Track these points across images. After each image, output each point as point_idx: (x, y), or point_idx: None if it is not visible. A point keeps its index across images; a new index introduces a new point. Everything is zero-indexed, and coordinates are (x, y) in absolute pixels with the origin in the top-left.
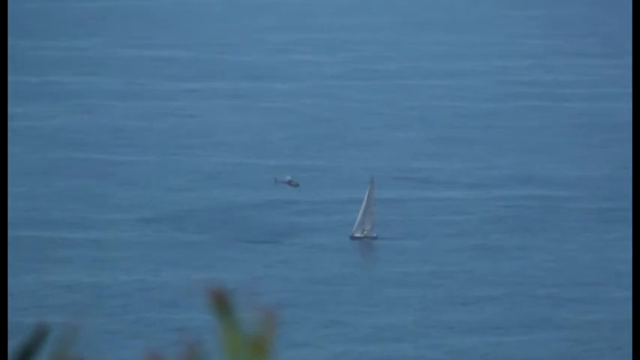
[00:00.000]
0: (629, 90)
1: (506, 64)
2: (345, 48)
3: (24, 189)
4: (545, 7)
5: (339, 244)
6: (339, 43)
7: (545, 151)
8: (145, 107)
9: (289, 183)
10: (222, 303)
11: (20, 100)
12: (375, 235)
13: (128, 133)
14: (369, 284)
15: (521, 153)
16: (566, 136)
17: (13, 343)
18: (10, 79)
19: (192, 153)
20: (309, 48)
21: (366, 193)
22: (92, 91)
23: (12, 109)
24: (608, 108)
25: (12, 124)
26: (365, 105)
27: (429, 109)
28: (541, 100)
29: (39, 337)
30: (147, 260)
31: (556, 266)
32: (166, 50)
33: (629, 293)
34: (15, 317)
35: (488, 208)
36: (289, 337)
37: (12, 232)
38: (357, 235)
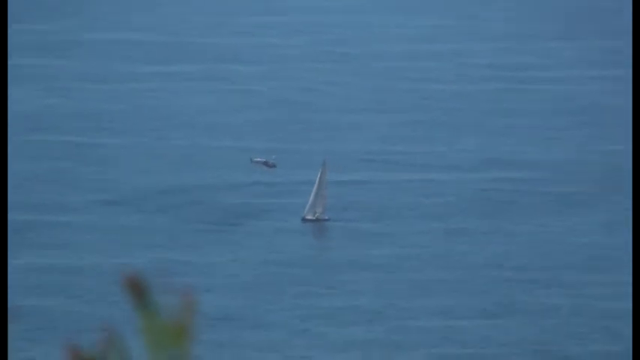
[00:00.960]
0: (592, 72)
1: (470, 47)
2: (312, 30)
3: None
4: None
5: (290, 227)
6: (305, 25)
7: (510, 134)
8: (114, 90)
9: (265, 163)
10: (137, 289)
11: None
12: (327, 217)
13: (97, 116)
14: (319, 267)
15: (485, 136)
16: (531, 118)
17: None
18: None
19: (158, 135)
20: (276, 31)
21: (318, 176)
22: (62, 75)
23: None
24: (572, 91)
25: None
26: (330, 88)
27: (394, 92)
28: (507, 83)
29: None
30: (100, 243)
31: (515, 250)
32: (134, 33)
33: (592, 277)
34: None
35: (452, 190)
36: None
37: None
38: (309, 217)
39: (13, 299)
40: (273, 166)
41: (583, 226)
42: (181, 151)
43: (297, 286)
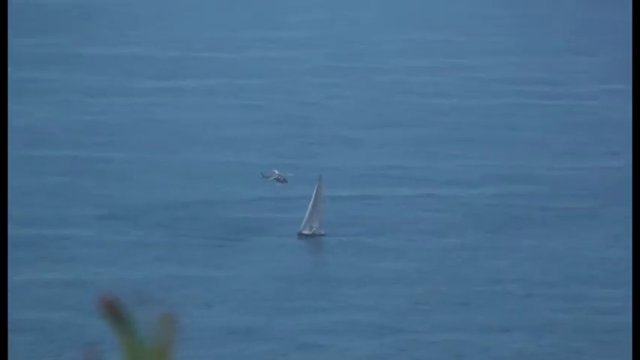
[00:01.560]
0: (597, 87)
1: (474, 61)
2: (315, 44)
3: None
4: (528, 5)
5: (287, 242)
6: (308, 40)
7: (512, 148)
8: (115, 104)
9: (277, 179)
10: (114, 311)
11: None
12: (323, 232)
13: (98, 130)
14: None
15: (487, 151)
16: (533, 133)
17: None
18: None
19: (158, 150)
20: (282, 45)
21: (314, 191)
22: (62, 88)
23: None
24: (576, 105)
25: None
26: (331, 102)
27: (395, 106)
28: (510, 98)
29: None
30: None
31: (517, 264)
32: (135, 47)
33: (593, 291)
34: None
35: (452, 206)
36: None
37: None
38: (305, 232)
39: (13, 313)
40: (285, 181)
41: (585, 241)
42: (181, 166)
43: (294, 300)
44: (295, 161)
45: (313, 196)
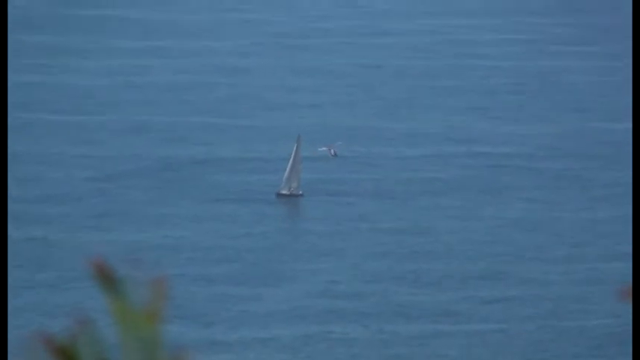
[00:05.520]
0: (570, 48)
1: (444, 22)
2: (296, 6)
3: None
4: None
5: (266, 201)
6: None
7: (485, 110)
8: (99, 66)
9: (329, 151)
10: (105, 275)
11: None
12: (301, 192)
13: (83, 93)
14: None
15: (457, 112)
16: (514, 96)
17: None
18: None
19: (136, 111)
20: (259, 6)
21: (293, 152)
22: (44, 50)
23: None
24: (548, 67)
25: None
26: (309, 64)
27: (374, 68)
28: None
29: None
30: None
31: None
32: (114, 9)
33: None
34: None
35: (427, 167)
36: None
37: None
38: (284, 192)
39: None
40: (335, 154)
41: (574, 202)
42: (164, 127)
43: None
44: (275, 122)
45: (292, 157)
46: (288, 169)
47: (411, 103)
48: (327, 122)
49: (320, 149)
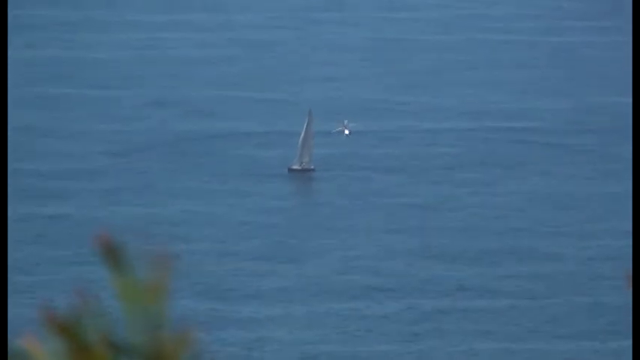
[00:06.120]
0: (584, 24)
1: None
2: None
3: None
4: None
5: (278, 175)
6: None
7: (501, 84)
8: (117, 40)
9: (345, 128)
10: (109, 250)
11: None
12: (313, 167)
13: (100, 66)
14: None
15: (476, 86)
16: (529, 71)
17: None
18: None
19: (154, 84)
20: None
21: (304, 126)
22: (65, 24)
23: None
24: (566, 42)
25: None
26: (326, 38)
27: (387, 43)
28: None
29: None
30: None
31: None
32: None
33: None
34: None
35: (444, 141)
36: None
37: None
38: (295, 167)
39: (13, 248)
40: (350, 132)
41: (584, 176)
42: (183, 101)
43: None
44: (288, 95)
45: (303, 132)
46: (299, 143)
47: (428, 78)
48: (343, 96)
49: (334, 131)
